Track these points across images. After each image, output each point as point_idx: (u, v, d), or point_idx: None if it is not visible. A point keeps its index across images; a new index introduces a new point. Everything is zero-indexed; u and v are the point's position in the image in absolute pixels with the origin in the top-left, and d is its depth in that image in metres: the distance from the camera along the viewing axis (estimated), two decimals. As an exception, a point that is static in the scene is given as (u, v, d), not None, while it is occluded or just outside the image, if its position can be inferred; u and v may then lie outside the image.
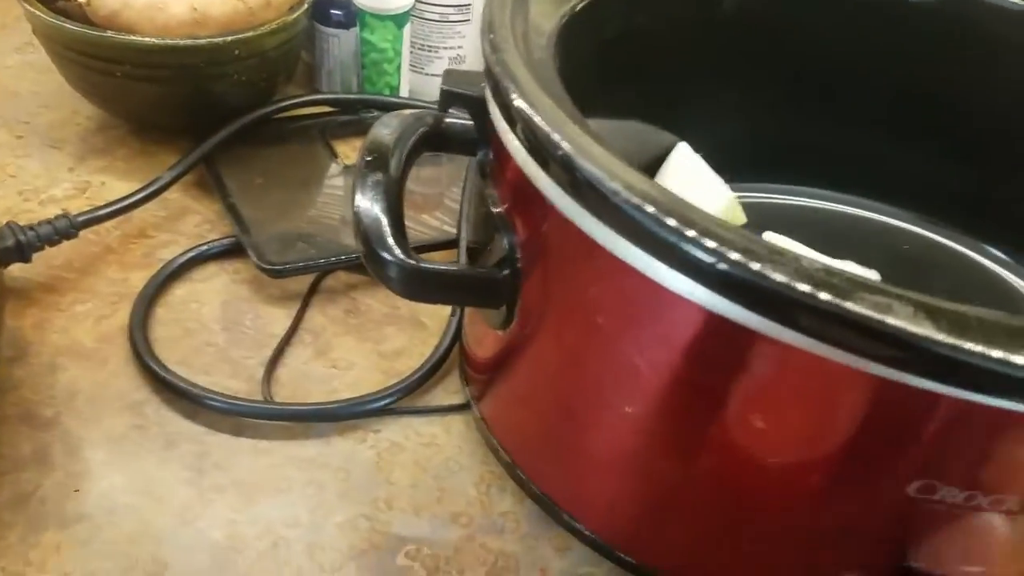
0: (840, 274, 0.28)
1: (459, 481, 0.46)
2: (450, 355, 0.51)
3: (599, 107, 0.51)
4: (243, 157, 0.60)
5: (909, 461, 0.32)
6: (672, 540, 0.40)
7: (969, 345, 0.26)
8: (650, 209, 0.30)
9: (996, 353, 0.26)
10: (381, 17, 0.65)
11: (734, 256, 0.28)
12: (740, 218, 0.55)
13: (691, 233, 0.29)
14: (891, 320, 0.27)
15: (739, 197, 0.57)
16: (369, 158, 0.40)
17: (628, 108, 0.55)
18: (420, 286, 0.39)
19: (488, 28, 0.38)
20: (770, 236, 0.52)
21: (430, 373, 0.50)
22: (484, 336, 0.45)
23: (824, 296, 0.27)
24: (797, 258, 0.28)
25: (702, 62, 0.54)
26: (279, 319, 0.52)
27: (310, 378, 0.49)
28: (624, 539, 0.41)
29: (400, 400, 0.48)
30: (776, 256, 0.28)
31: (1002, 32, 0.53)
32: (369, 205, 0.38)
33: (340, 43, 0.66)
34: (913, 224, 0.60)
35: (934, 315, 0.27)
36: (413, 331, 0.53)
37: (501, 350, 0.43)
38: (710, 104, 0.55)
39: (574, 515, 0.42)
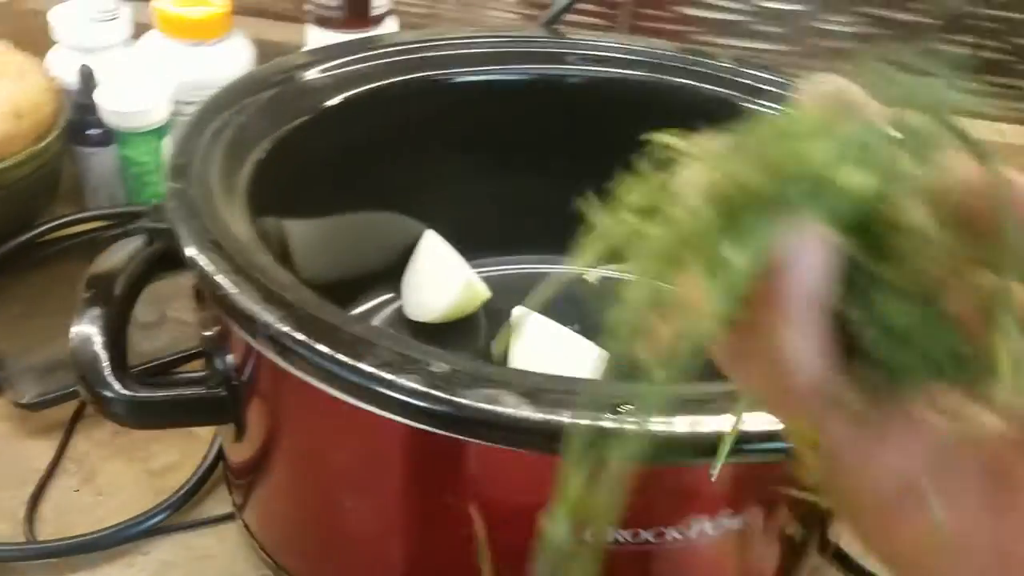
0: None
1: (234, 591, 0.47)
2: (218, 465, 0.52)
3: (347, 205, 0.54)
4: (1, 288, 0.60)
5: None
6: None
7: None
8: (300, 338, 0.32)
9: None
10: (138, 133, 0.66)
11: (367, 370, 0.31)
12: (481, 294, 0.58)
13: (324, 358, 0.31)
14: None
15: (490, 272, 0.60)
16: (87, 294, 0.41)
17: (379, 202, 0.57)
18: (145, 415, 0.41)
19: (171, 174, 0.40)
20: (518, 311, 0.55)
21: (197, 486, 0.50)
22: (232, 446, 0.47)
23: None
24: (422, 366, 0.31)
25: (430, 154, 0.57)
26: (42, 452, 0.52)
27: (75, 509, 0.49)
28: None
29: (170, 517, 0.49)
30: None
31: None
32: (86, 342, 0.40)
33: (100, 161, 0.67)
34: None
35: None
36: (184, 444, 0.53)
37: (247, 459, 0.45)
38: (449, 191, 0.58)
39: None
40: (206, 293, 0.37)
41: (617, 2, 0.76)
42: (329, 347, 0.32)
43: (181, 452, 0.53)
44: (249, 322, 0.33)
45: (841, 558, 0.53)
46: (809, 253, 0.19)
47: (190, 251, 0.36)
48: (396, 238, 0.60)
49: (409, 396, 0.31)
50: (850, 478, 0.21)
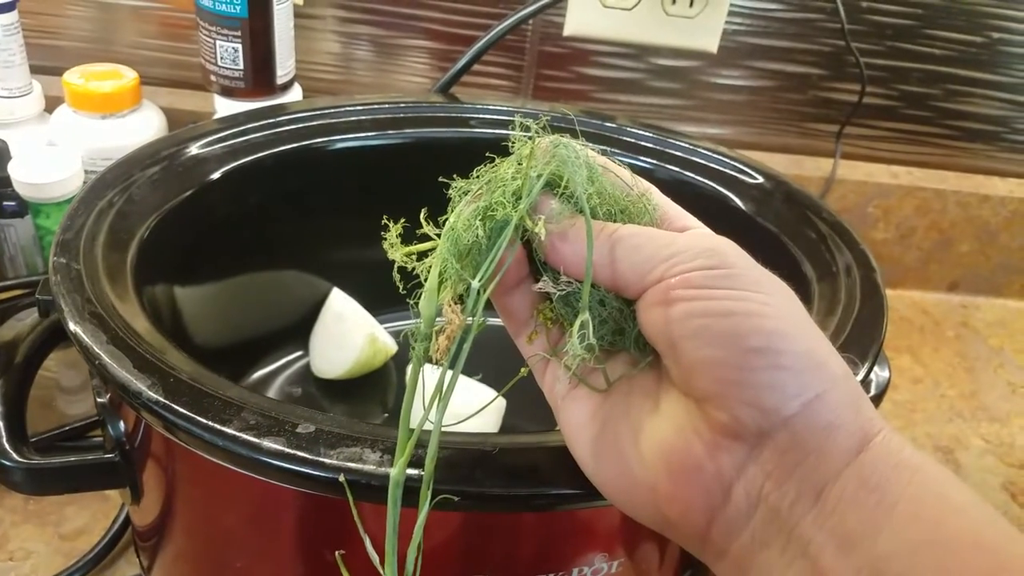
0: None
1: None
2: (128, 527, 0.53)
3: (247, 267, 0.56)
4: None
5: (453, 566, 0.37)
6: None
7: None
8: (169, 405, 0.34)
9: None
10: (52, 203, 0.68)
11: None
12: (387, 349, 0.60)
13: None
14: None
15: (400, 326, 0.62)
16: (-14, 366, 0.43)
17: (282, 262, 0.60)
18: (42, 483, 0.42)
19: (57, 249, 0.42)
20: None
21: (107, 549, 0.52)
22: (132, 509, 0.48)
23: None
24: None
25: (322, 217, 0.59)
26: (-47, 521, 0.53)
27: (-15, 577, 0.51)
28: None
29: (79, 581, 0.51)
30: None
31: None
32: (-19, 414, 0.41)
33: (17, 231, 0.69)
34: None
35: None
36: (97, 506, 0.55)
37: (148, 522, 0.46)
38: (348, 250, 0.61)
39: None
40: (88, 365, 0.39)
41: (520, 66, 0.80)
42: (196, 412, 0.34)
43: (93, 515, 0.54)
44: (125, 391, 0.35)
45: None
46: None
47: (71, 324, 0.38)
48: (303, 295, 0.62)
49: (273, 458, 0.33)
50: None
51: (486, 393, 0.57)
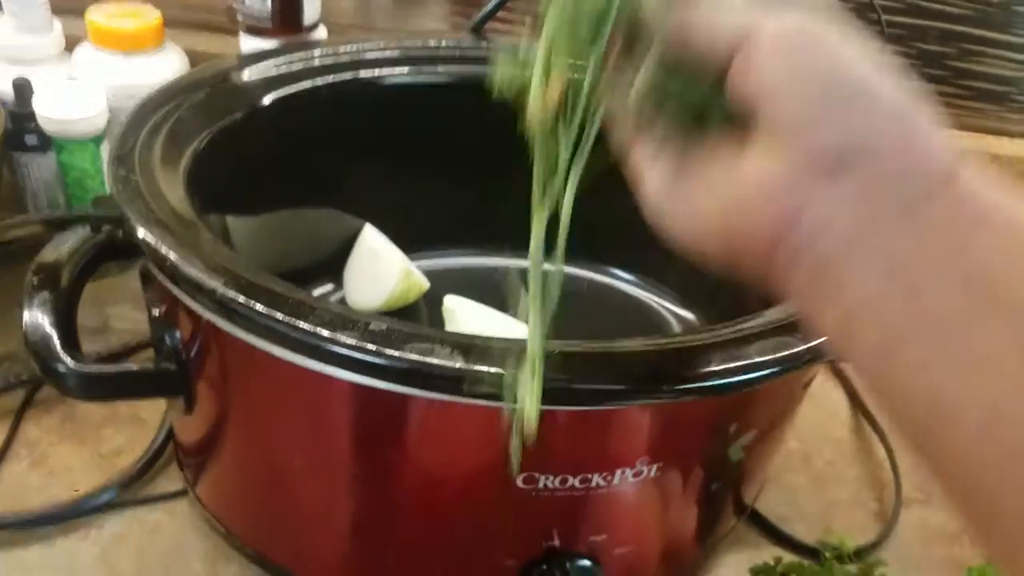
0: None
1: (185, 560, 0.49)
2: (168, 446, 0.54)
3: (285, 201, 0.57)
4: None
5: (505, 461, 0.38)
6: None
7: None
8: (259, 308, 0.35)
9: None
10: (76, 140, 0.68)
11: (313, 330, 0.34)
12: (420, 285, 0.61)
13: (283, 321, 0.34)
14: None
15: (430, 264, 0.64)
16: (35, 280, 0.43)
17: (316, 198, 0.60)
18: (97, 389, 0.43)
19: (115, 161, 0.42)
20: (449, 299, 0.59)
21: (148, 465, 0.53)
22: (182, 423, 0.49)
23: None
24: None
25: (363, 152, 0.60)
26: (-6, 438, 0.54)
27: (28, 489, 0.52)
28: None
29: (121, 494, 0.51)
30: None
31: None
32: (37, 323, 0.42)
33: (39, 167, 0.69)
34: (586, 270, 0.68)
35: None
36: (132, 428, 0.56)
37: (198, 434, 0.47)
38: (384, 187, 0.62)
39: (295, 573, 0.47)
40: (154, 269, 0.40)
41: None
42: (272, 309, 0.35)
43: (129, 437, 0.55)
44: (196, 289, 0.36)
45: (759, 522, 0.56)
46: None
47: (139, 229, 0.39)
48: (336, 232, 0.63)
49: (349, 351, 0.34)
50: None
51: (514, 324, 0.58)
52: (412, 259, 0.63)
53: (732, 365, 0.36)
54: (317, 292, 0.62)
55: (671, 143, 0.32)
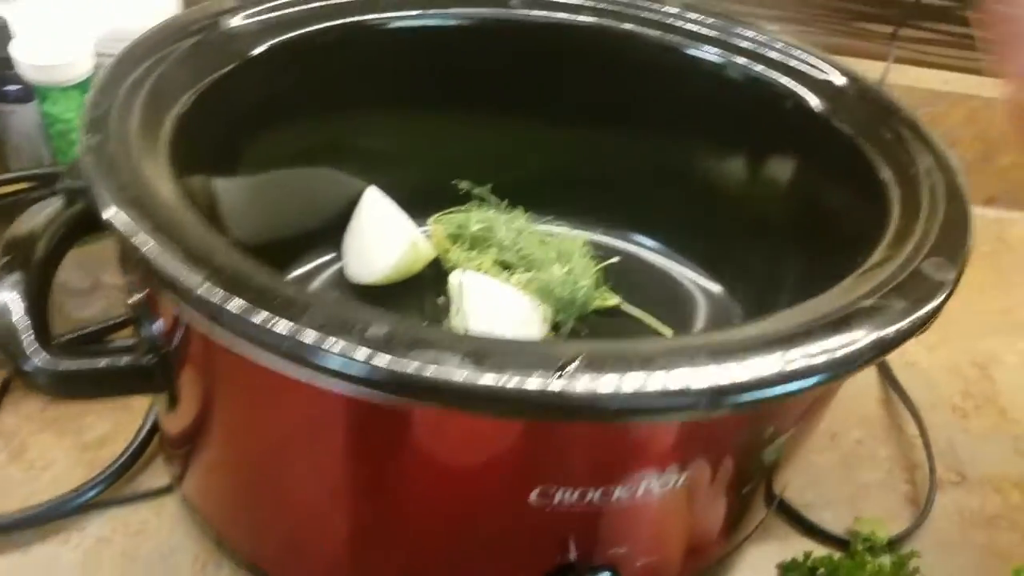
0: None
1: (174, 564, 0.46)
2: (154, 436, 0.50)
3: (279, 161, 0.52)
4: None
5: (517, 475, 0.35)
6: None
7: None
8: (228, 301, 0.30)
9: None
10: (60, 88, 0.63)
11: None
12: (427, 254, 0.57)
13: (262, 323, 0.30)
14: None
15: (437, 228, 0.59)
16: (5, 259, 0.39)
17: (314, 157, 0.56)
18: (71, 387, 0.39)
19: (87, 127, 0.38)
20: (455, 275, 0.54)
21: (132, 459, 0.49)
22: (167, 416, 0.45)
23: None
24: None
25: (366, 105, 0.55)
26: (-32, 428, 0.50)
27: (5, 486, 0.48)
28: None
29: (105, 491, 0.48)
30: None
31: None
32: (4, 311, 0.37)
33: (21, 118, 0.64)
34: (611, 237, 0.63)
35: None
36: (118, 415, 0.52)
37: (183, 429, 0.43)
38: (389, 144, 0.57)
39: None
40: (128, 256, 0.35)
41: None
42: (258, 311, 0.30)
43: (115, 424, 0.51)
44: (173, 285, 0.32)
45: (786, 511, 0.53)
46: None
47: (108, 211, 0.34)
48: (335, 195, 0.58)
49: (345, 362, 0.30)
50: None
51: (524, 300, 0.54)
52: (418, 223, 0.58)
53: (779, 373, 0.32)
54: (316, 262, 0.58)
55: None
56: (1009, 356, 0.69)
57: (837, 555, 0.50)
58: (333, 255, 0.58)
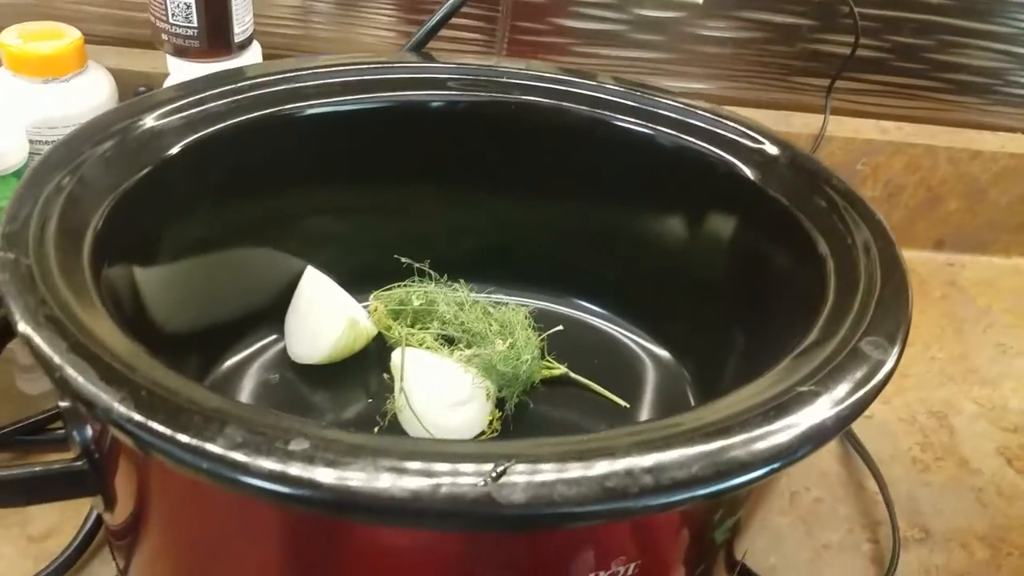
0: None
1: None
2: (100, 527, 0.49)
3: (213, 246, 0.52)
4: None
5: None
6: None
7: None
8: (143, 421, 0.30)
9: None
10: (-3, 176, 0.62)
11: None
12: (368, 331, 0.57)
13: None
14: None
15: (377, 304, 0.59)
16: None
17: (250, 240, 0.56)
18: (2, 496, 0.38)
19: (3, 243, 0.37)
20: (396, 355, 0.54)
21: (79, 551, 0.48)
22: (105, 514, 0.44)
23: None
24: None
25: (295, 188, 0.55)
26: (-91, 528, 0.49)
27: (-54, 587, 0.47)
28: None
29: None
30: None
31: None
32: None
33: (-45, 209, 0.63)
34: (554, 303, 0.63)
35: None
36: (62, 508, 0.51)
37: (121, 527, 0.42)
38: (322, 224, 0.58)
39: None
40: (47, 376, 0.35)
41: (494, 17, 0.75)
42: (174, 430, 0.30)
43: (61, 515, 0.51)
44: (90, 405, 0.31)
45: (746, 574, 0.52)
46: None
47: (26, 329, 0.33)
48: (275, 276, 0.58)
49: (266, 480, 0.29)
50: None
51: (462, 373, 0.53)
52: (360, 298, 0.58)
53: (716, 470, 0.31)
54: (259, 344, 0.57)
55: None
56: (967, 404, 0.69)
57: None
58: (276, 336, 0.58)
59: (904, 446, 0.64)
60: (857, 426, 0.63)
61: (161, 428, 0.30)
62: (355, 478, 0.29)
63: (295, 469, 0.29)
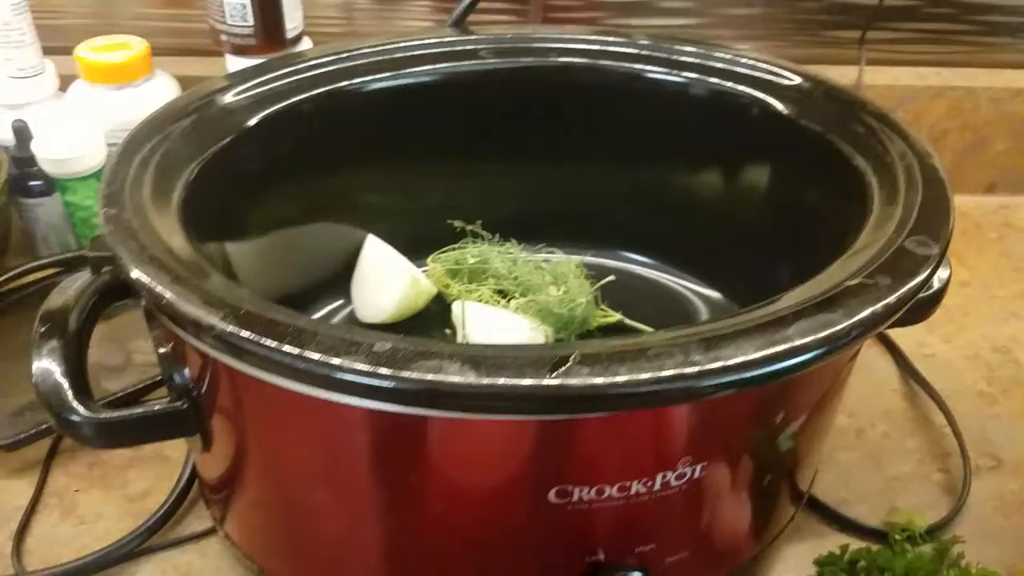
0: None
1: (219, 600, 0.48)
2: (193, 483, 0.53)
3: (283, 220, 0.56)
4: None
5: (533, 475, 0.37)
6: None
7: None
8: (257, 340, 0.33)
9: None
10: (78, 178, 0.67)
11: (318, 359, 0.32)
12: (428, 290, 0.60)
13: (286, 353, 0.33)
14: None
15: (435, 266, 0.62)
16: (42, 329, 0.42)
17: (315, 213, 0.59)
18: (112, 435, 0.42)
19: (103, 202, 0.41)
20: (457, 305, 0.57)
21: (175, 507, 0.52)
22: (202, 460, 0.48)
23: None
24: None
25: (356, 161, 0.59)
26: (22, 490, 0.53)
27: (59, 540, 0.51)
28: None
29: (150, 538, 0.50)
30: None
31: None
32: (46, 374, 0.40)
33: (46, 210, 0.68)
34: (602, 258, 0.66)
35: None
36: (158, 468, 0.55)
37: (219, 471, 0.46)
38: (382, 195, 0.61)
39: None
40: (153, 308, 0.38)
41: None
42: (272, 339, 0.33)
43: (156, 476, 0.54)
44: (195, 326, 0.35)
45: (819, 508, 0.53)
46: None
47: (132, 270, 0.37)
48: (339, 246, 0.61)
49: (354, 376, 0.32)
50: None
51: (521, 321, 0.56)
52: (418, 264, 0.62)
53: (770, 352, 0.34)
54: (326, 309, 0.61)
55: None
56: (1032, 339, 0.68)
57: (875, 547, 0.49)
58: (343, 300, 0.61)
59: (969, 381, 0.64)
60: (921, 364, 0.64)
61: (262, 339, 0.33)
62: (433, 368, 0.32)
63: (382, 367, 0.32)
